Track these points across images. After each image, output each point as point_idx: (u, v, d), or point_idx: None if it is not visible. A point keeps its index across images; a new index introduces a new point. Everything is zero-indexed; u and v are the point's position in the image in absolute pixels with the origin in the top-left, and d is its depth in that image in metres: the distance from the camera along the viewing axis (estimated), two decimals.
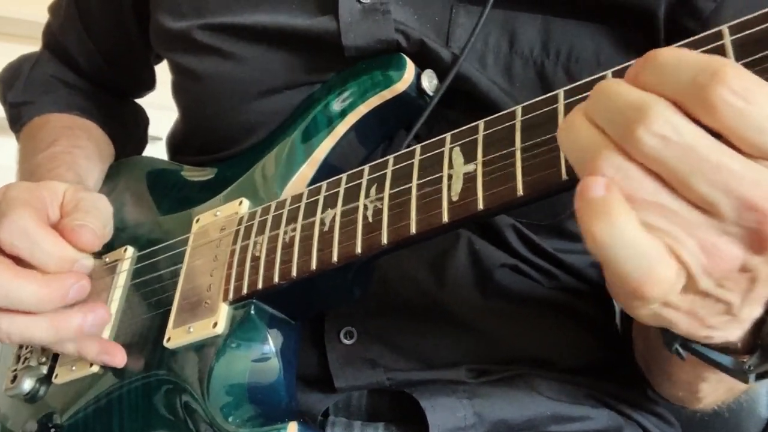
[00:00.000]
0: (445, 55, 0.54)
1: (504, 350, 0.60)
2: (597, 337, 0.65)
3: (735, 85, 0.28)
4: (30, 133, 0.76)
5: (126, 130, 0.82)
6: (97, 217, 0.56)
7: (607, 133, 0.31)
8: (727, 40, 0.33)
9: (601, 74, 0.39)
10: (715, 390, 0.53)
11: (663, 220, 0.30)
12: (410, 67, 0.54)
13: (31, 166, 0.69)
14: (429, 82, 0.55)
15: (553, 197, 0.59)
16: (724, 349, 0.39)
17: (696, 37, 0.35)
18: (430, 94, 0.55)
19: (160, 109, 0.89)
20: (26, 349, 0.66)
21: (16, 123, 0.78)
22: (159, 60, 0.84)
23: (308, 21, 0.57)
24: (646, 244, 0.30)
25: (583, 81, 0.39)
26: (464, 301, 0.59)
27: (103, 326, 0.55)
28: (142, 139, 0.88)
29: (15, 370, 0.65)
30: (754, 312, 0.35)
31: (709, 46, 0.34)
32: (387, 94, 0.55)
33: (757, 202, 0.28)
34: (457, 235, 0.57)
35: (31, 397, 0.63)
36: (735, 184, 0.28)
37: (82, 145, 0.72)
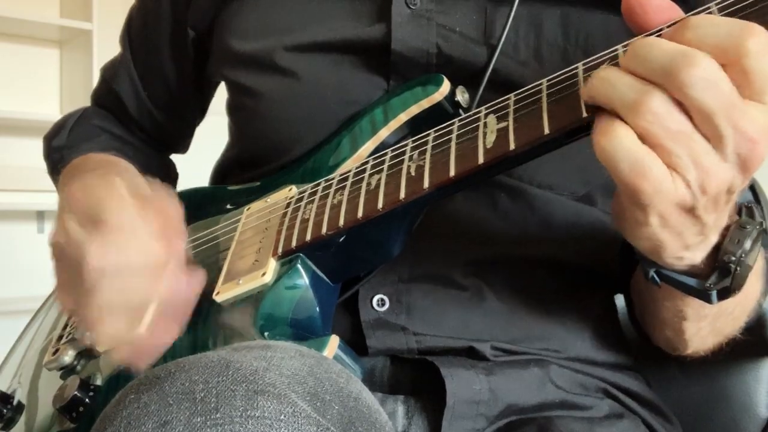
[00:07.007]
0: (480, 54, 0.64)
1: (530, 333, 0.65)
2: (613, 332, 0.71)
3: (758, 45, 0.38)
4: (70, 171, 0.79)
5: (154, 178, 0.89)
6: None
7: (649, 79, 0.40)
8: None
9: (612, 49, 0.48)
10: (698, 329, 0.59)
11: (682, 147, 0.40)
12: (446, 83, 0.64)
13: (79, 184, 0.70)
14: (462, 95, 0.64)
15: (583, 167, 0.65)
16: (690, 273, 0.49)
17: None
18: (464, 106, 0.64)
19: None
20: (70, 326, 0.70)
21: (57, 165, 0.83)
22: (201, 119, 0.93)
23: (361, 30, 0.66)
24: (641, 151, 0.40)
25: (598, 56, 0.49)
26: (497, 278, 0.64)
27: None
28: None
29: (57, 346, 0.69)
30: (714, 238, 0.46)
31: None
32: (425, 103, 0.64)
33: (753, 134, 0.39)
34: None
35: (71, 370, 0.66)
36: (741, 120, 0.39)
37: (122, 174, 0.79)
